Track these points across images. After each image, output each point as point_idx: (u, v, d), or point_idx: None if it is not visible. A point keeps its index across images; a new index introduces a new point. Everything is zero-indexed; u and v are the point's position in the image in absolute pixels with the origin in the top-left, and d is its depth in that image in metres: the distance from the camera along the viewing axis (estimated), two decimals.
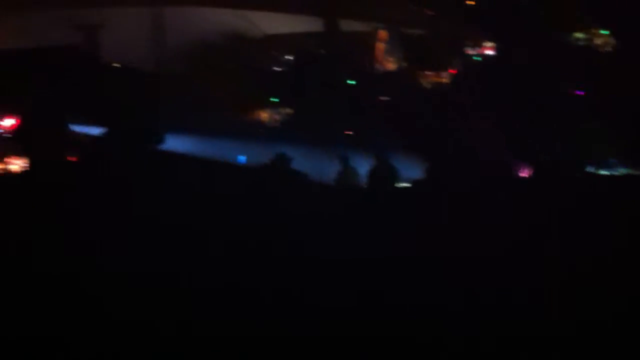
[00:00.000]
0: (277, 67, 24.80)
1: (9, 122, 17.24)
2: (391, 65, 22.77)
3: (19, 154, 15.81)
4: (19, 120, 17.31)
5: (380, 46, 23.03)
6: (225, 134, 17.25)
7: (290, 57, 24.82)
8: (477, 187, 7.80)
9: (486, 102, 16.26)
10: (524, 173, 11.30)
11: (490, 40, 20.15)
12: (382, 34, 23.14)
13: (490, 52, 20.11)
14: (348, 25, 25.85)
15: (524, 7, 19.08)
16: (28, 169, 15.31)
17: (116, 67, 22.26)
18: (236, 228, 6.21)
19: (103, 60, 22.83)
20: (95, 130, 16.74)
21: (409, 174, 11.37)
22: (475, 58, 20.18)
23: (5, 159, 15.61)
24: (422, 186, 9.97)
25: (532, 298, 5.62)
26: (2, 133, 17.20)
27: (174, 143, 16.66)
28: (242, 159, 14.18)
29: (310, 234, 6.06)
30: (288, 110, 19.39)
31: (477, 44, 20.30)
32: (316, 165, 13.03)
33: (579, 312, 5.26)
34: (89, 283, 5.43)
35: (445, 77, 20.46)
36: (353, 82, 20.69)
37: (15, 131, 17.05)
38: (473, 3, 21.45)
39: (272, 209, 6.69)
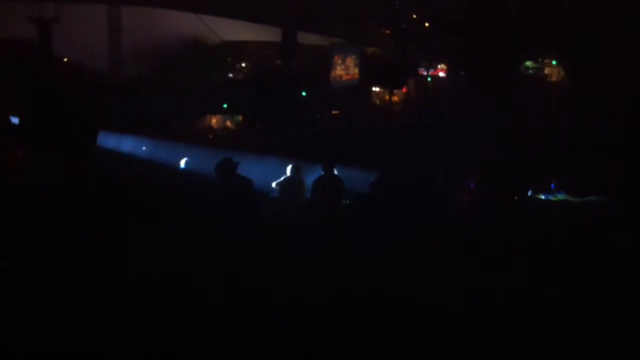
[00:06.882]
0: (232, 74, 24.70)
1: None
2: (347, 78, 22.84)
3: None
4: None
5: (337, 60, 23.12)
6: (173, 138, 16.94)
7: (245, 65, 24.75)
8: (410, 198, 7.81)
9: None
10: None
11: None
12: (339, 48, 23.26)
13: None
14: (306, 37, 25.88)
15: None
16: None
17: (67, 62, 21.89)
18: None
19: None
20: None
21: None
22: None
23: None
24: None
25: None
26: None
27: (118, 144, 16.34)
28: (184, 162, 13.88)
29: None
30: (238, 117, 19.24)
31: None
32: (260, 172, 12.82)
33: None
34: None
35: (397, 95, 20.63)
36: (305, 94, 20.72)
37: None
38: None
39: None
